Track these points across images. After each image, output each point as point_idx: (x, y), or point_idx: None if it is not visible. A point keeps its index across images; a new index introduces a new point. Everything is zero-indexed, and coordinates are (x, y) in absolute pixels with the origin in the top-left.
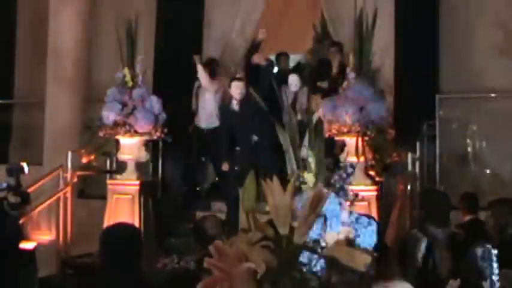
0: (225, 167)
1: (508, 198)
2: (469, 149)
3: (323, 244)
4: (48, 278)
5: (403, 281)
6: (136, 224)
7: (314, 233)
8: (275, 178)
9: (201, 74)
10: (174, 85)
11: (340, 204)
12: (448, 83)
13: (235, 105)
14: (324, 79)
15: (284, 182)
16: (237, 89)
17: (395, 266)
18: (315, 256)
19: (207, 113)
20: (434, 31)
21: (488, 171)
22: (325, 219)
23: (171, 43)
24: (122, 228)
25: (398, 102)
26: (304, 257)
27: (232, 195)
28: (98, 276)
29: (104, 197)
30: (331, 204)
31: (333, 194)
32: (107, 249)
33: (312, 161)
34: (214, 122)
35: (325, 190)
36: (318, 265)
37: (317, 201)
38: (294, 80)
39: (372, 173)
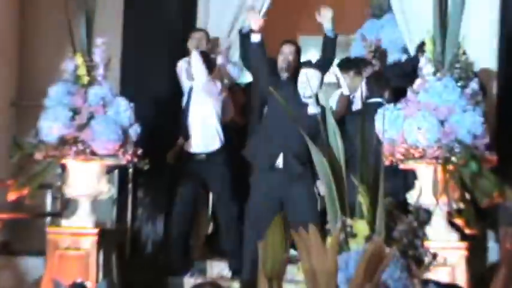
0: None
1: None
2: None
3: None
4: None
5: None
6: None
7: None
8: (312, 227)
9: (198, 66)
10: (152, 81)
11: (409, 269)
12: None
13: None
14: None
15: (323, 231)
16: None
17: None
18: None
19: (203, 131)
20: None
21: None
22: None
23: (147, 18)
24: None
25: (502, 113)
26: None
27: (245, 254)
28: None
29: (41, 253)
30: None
31: (397, 254)
32: None
33: (363, 201)
34: (215, 144)
35: (385, 247)
36: None
37: (375, 264)
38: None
39: (459, 221)
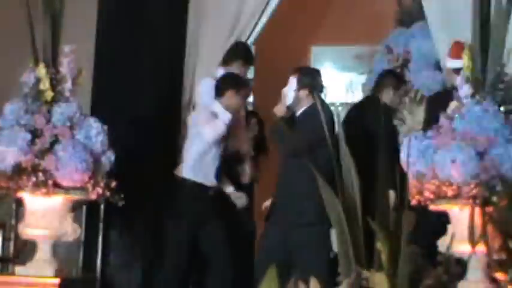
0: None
1: None
2: None
3: None
4: None
5: None
6: None
7: None
8: (313, 280)
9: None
10: (131, 98)
11: None
12: None
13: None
14: None
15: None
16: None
17: None
18: None
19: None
20: None
21: None
22: None
23: (126, 21)
24: None
25: None
26: None
27: None
28: None
29: None
30: None
31: None
32: None
33: (383, 249)
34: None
35: None
36: None
37: None
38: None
39: (499, 275)
